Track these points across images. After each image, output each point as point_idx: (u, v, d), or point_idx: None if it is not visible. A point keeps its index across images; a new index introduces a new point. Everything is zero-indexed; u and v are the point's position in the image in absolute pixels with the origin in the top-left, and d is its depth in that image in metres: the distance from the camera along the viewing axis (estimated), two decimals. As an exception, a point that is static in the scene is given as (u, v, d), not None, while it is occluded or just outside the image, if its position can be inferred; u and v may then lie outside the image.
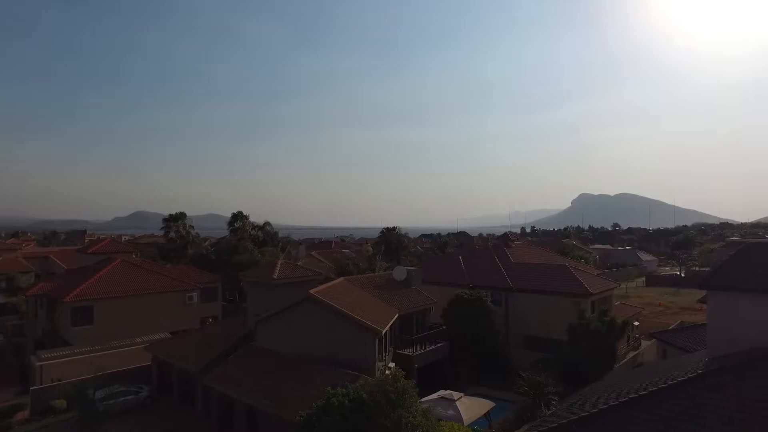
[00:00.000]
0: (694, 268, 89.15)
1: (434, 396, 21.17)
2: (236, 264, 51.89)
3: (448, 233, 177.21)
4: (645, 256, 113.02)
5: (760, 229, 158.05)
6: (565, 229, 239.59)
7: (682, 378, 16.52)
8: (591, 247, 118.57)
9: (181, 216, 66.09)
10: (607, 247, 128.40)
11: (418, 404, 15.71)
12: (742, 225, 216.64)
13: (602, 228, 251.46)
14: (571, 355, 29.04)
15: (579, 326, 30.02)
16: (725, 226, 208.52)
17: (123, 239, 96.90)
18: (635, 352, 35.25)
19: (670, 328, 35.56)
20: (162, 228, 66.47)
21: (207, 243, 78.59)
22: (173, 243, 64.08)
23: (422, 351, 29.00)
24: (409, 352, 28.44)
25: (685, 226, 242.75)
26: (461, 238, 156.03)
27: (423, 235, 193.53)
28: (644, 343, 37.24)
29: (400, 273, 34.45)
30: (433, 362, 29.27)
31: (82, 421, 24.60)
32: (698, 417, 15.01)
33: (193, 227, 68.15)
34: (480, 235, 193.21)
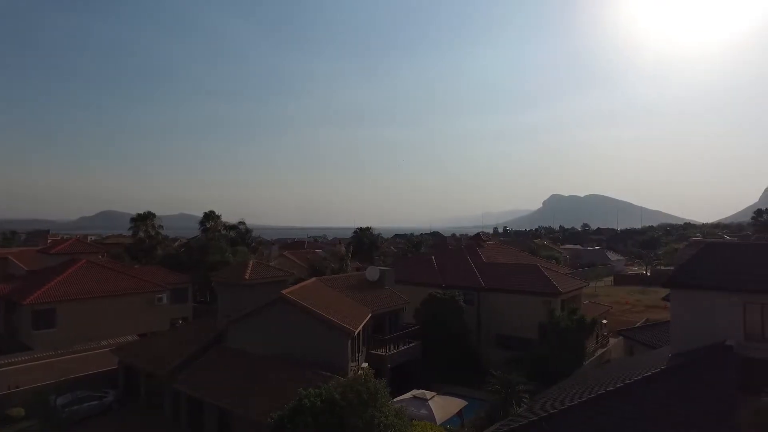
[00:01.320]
0: (659, 267, 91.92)
1: (407, 395, 21.20)
2: (208, 264, 50.94)
3: (422, 233, 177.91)
4: (613, 256, 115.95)
5: (719, 229, 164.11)
6: (536, 229, 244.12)
7: (646, 374, 17.02)
8: (561, 247, 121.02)
9: (150, 215, 64.49)
10: (577, 247, 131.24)
11: (391, 404, 15.70)
12: (704, 225, 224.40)
13: (572, 228, 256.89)
14: (541, 353, 29.55)
15: (549, 325, 30.58)
16: (688, 227, 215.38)
17: (89, 239, 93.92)
18: (603, 350, 36.06)
19: (637, 325, 36.49)
20: (130, 228, 64.73)
21: (177, 243, 76.90)
22: (142, 243, 62.49)
23: (395, 351, 29.02)
24: (382, 352, 28.42)
25: (651, 226, 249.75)
26: (435, 238, 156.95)
27: (397, 236, 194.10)
28: (612, 341, 38.15)
29: (373, 273, 34.41)
30: (405, 362, 29.32)
31: (42, 429, 23.69)
32: (659, 412, 15.50)
33: (162, 227, 66.60)
34: (453, 235, 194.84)
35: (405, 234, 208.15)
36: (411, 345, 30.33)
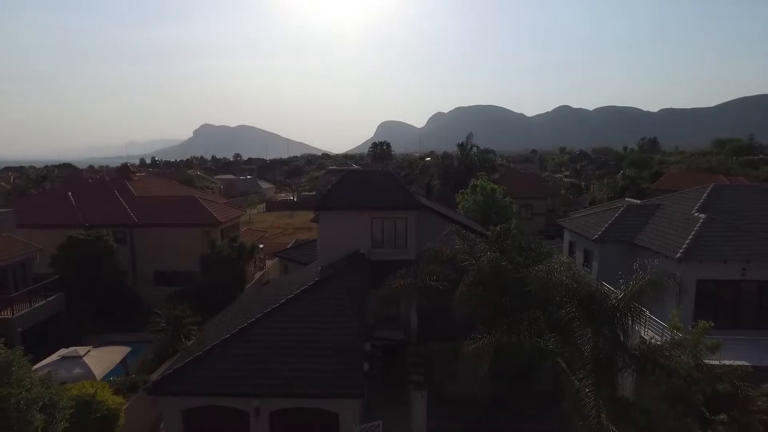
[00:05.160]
0: (304, 193, 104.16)
1: (53, 358, 17.99)
2: None
3: (47, 165, 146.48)
4: (264, 184, 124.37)
5: (348, 158, 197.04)
6: (188, 159, 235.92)
7: (303, 287, 19.49)
8: (215, 177, 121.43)
9: None
10: (230, 176, 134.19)
11: (33, 374, 12.99)
12: (336, 155, 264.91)
13: (225, 159, 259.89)
14: (205, 284, 29.75)
15: (211, 255, 30.84)
16: (325, 157, 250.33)
17: None
18: (262, 272, 39.09)
19: (289, 246, 40.89)
20: None
21: None
22: None
23: (27, 310, 23.89)
24: (6, 314, 22.93)
25: (296, 156, 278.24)
26: (66, 170, 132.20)
27: (8, 168, 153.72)
28: (269, 263, 41.69)
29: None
30: (45, 320, 24.61)
31: None
32: (315, 311, 18.21)
33: None
34: (91, 167, 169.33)
35: (20, 167, 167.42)
36: (50, 299, 25.50)
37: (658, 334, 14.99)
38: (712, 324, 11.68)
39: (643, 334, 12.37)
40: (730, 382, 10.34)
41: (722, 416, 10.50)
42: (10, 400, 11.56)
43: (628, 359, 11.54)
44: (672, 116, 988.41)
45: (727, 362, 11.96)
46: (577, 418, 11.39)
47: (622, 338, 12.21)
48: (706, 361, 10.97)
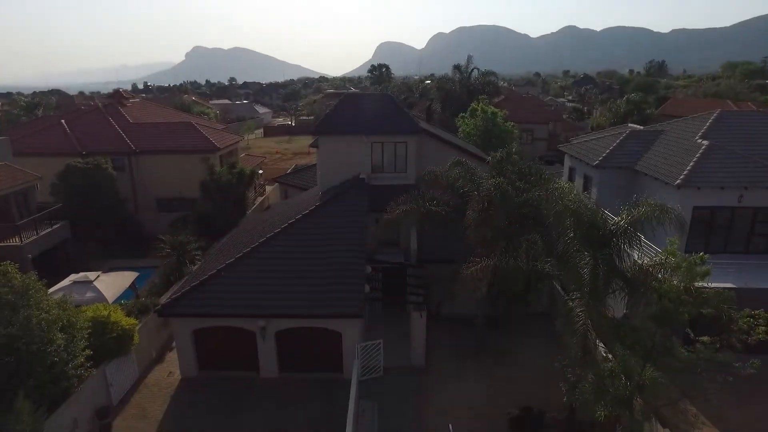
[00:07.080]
0: (302, 118, 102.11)
1: (65, 282, 18.59)
2: None
3: (35, 92, 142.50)
4: (261, 109, 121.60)
5: (346, 81, 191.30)
6: (182, 84, 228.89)
7: (304, 212, 19.74)
8: (210, 102, 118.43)
9: None
10: (226, 101, 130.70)
11: (49, 297, 13.51)
12: (334, 78, 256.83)
13: (219, 83, 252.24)
14: (206, 210, 30.09)
15: (211, 181, 30.92)
16: (323, 80, 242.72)
17: None
18: (262, 198, 39.36)
19: (288, 172, 40.85)
20: None
21: None
22: None
23: (34, 237, 24.30)
24: (15, 242, 23.37)
25: (292, 80, 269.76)
26: (57, 97, 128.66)
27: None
28: (269, 188, 41.86)
29: (-25, 145, 26.32)
30: (52, 247, 25.13)
31: None
32: (318, 233, 18.60)
33: None
34: (81, 93, 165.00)
35: (8, 93, 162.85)
36: (55, 227, 25.86)
37: (652, 260, 15.42)
38: (708, 256, 11.98)
39: (637, 259, 12.72)
40: (716, 306, 10.81)
41: (705, 337, 11.08)
42: (32, 321, 12.14)
43: (622, 282, 11.96)
44: (684, 37, 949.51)
45: (714, 285, 12.39)
46: (569, 335, 12.00)
47: (617, 262, 12.57)
48: (695, 285, 11.40)
